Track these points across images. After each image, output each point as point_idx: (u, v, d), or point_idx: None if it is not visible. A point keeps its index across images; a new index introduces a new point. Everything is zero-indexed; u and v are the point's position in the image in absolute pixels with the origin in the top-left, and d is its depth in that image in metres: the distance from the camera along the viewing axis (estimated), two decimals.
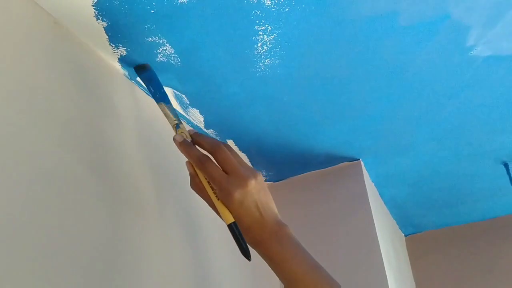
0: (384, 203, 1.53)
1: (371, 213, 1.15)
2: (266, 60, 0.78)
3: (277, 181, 1.27)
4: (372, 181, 1.34)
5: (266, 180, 1.27)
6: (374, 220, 1.15)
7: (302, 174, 1.25)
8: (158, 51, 0.73)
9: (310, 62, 0.80)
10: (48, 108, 0.57)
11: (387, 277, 1.11)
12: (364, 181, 1.18)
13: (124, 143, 0.71)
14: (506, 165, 1.31)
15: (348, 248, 1.12)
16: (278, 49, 0.76)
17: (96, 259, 0.57)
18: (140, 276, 0.64)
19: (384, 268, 1.10)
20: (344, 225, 1.15)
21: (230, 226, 0.61)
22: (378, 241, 1.12)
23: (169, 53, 0.73)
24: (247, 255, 0.61)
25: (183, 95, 0.85)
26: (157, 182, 0.77)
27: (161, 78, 0.78)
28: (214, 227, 0.90)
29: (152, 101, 0.82)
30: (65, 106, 0.60)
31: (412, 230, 1.95)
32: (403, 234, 1.98)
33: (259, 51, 0.76)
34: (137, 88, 0.80)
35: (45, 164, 0.53)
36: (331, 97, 0.92)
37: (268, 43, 0.74)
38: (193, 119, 0.93)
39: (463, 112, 1.02)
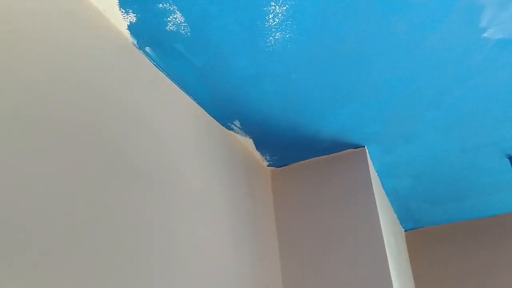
0: (387, 194, 1.52)
1: (375, 202, 1.14)
2: (276, 34, 0.77)
3: (281, 167, 1.26)
4: (376, 171, 1.33)
5: (269, 165, 1.26)
6: (378, 210, 1.14)
7: (306, 160, 1.23)
8: (168, 19, 0.72)
9: (321, 38, 0.79)
10: (52, 74, 0.56)
11: (390, 268, 1.10)
12: (368, 169, 1.17)
13: (129, 117, 0.70)
14: (510, 158, 1.30)
15: (351, 237, 1.11)
16: (289, 22, 0.75)
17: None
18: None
19: (386, 259, 1.09)
20: (347, 213, 1.14)
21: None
22: (381, 231, 1.11)
23: (179, 21, 0.72)
24: None
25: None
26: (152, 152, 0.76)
27: (169, 48, 0.77)
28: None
29: (158, 74, 0.81)
30: (71, 71, 0.59)
31: (412, 225, 1.94)
32: (403, 229, 1.97)
33: (270, 23, 0.74)
34: (144, 57, 0.79)
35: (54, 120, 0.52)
36: (340, 78, 0.90)
37: (279, 15, 0.73)
38: None
39: (471, 99, 1.01)
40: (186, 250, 0.76)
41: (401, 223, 1.88)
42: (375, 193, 1.16)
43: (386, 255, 1.09)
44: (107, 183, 0.60)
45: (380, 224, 1.13)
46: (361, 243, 1.10)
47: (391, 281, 1.06)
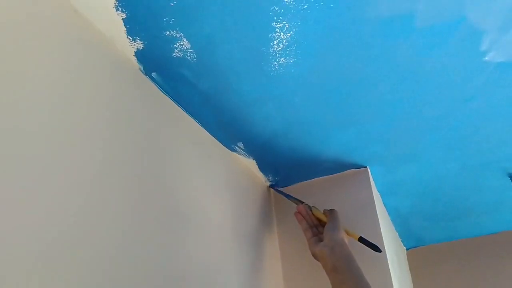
0: (388, 213, 1.53)
1: (378, 222, 1.15)
2: (281, 59, 0.78)
3: (283, 187, 1.26)
4: (378, 190, 1.33)
5: (271, 186, 1.26)
6: (381, 229, 1.14)
7: (308, 180, 1.24)
8: (175, 45, 0.73)
9: (324, 63, 0.80)
10: (60, 101, 0.57)
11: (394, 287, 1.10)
12: (371, 189, 1.18)
13: (135, 139, 0.71)
14: (511, 177, 1.31)
15: (354, 256, 1.11)
16: (293, 48, 0.76)
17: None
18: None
19: (391, 279, 1.09)
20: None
21: (360, 239, 1.04)
22: (385, 251, 1.11)
23: (185, 48, 0.73)
24: (378, 249, 1.02)
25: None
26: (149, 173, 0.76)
27: (175, 73, 0.78)
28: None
29: (163, 98, 0.82)
30: (78, 97, 0.60)
31: (414, 243, 1.94)
32: (405, 248, 1.97)
33: (275, 49, 0.76)
34: (150, 83, 0.80)
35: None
36: (343, 100, 0.92)
37: (284, 41, 0.74)
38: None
39: (473, 120, 1.02)
40: (192, 275, 0.76)
41: (402, 241, 1.88)
42: (378, 212, 1.17)
43: (390, 275, 1.09)
44: (116, 209, 0.60)
45: (383, 243, 1.13)
46: (365, 262, 1.09)
47: None
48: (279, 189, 1.23)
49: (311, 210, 1.09)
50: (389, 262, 1.12)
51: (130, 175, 0.65)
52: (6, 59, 0.49)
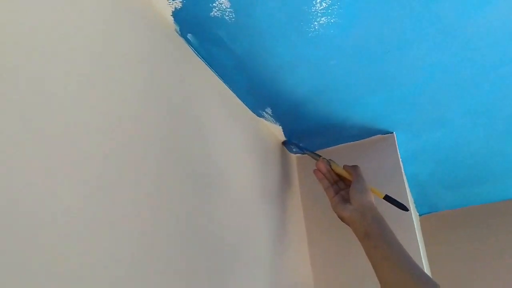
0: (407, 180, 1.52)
1: (405, 188, 1.13)
2: (322, 19, 0.75)
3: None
4: (400, 157, 1.32)
5: (296, 152, 1.25)
6: (408, 196, 1.13)
7: (333, 147, 1.22)
8: (213, 5, 0.69)
9: (365, 24, 0.77)
10: (93, 57, 0.54)
11: (420, 251, 1.09)
12: (398, 156, 1.16)
13: (164, 101, 0.68)
14: None
15: None
16: (336, 7, 0.73)
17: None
18: None
19: (418, 243, 1.08)
20: (376, 198, 1.13)
21: (386, 197, 0.99)
22: (412, 216, 1.11)
23: (224, 7, 0.70)
24: (405, 208, 0.99)
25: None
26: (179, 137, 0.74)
27: (211, 35, 0.75)
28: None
29: (196, 60, 0.79)
30: (111, 55, 0.57)
31: (427, 209, 1.94)
32: (418, 214, 1.97)
33: (317, 8, 0.72)
34: (185, 45, 0.77)
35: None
36: (377, 64, 0.89)
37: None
38: None
39: (505, 85, 1.00)
40: (225, 239, 0.75)
41: (416, 207, 1.88)
42: (404, 179, 1.16)
43: (417, 240, 1.09)
44: (147, 170, 0.59)
45: (410, 209, 1.12)
46: (391, 227, 1.09)
47: (422, 264, 1.06)
48: (294, 142, 1.17)
49: (330, 166, 1.03)
50: (415, 227, 1.11)
51: (159, 135, 0.62)
52: (43, 18, 0.46)
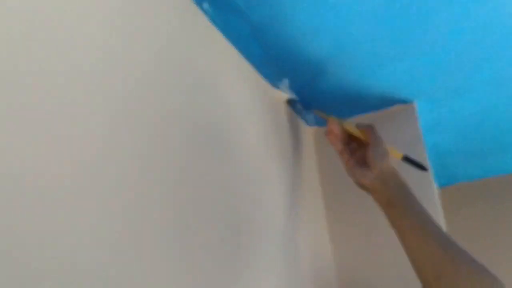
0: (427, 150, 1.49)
1: (426, 158, 1.11)
2: None
3: (324, 126, 1.22)
4: (420, 127, 1.29)
5: (313, 124, 1.22)
6: (430, 165, 1.10)
7: (353, 117, 1.19)
8: None
9: None
10: (108, 24, 0.52)
11: (443, 228, 1.08)
12: (418, 125, 1.13)
13: (179, 70, 0.66)
14: None
15: None
16: None
17: None
18: None
19: (442, 219, 1.07)
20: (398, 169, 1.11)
21: (404, 158, 0.90)
22: (434, 187, 1.09)
23: None
24: (424, 168, 0.91)
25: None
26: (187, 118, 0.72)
27: (228, 2, 0.72)
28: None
29: (212, 30, 0.77)
30: (126, 23, 0.55)
31: (446, 181, 1.92)
32: (437, 186, 1.95)
33: None
34: (201, 14, 0.74)
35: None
36: (400, 31, 0.85)
37: None
38: None
39: None
40: (238, 207, 0.74)
41: (435, 179, 1.86)
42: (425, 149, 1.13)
43: (440, 211, 1.07)
44: (169, 139, 0.57)
45: (432, 180, 1.10)
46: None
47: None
48: (299, 101, 1.08)
49: (343, 128, 0.92)
50: (436, 198, 1.09)
51: (171, 100, 0.60)
52: None
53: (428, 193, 1.07)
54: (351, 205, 1.14)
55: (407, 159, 0.90)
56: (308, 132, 1.22)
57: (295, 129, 1.11)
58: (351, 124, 0.92)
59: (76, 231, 0.39)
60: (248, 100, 0.86)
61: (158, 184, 0.52)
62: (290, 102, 1.07)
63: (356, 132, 0.90)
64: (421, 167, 0.90)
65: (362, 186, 0.86)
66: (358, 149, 0.90)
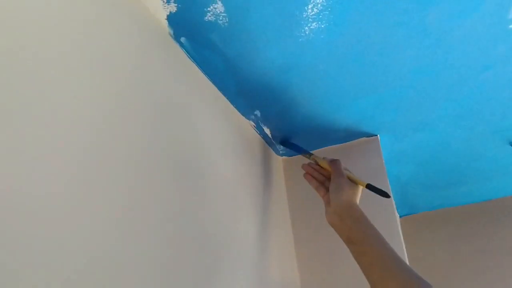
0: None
1: (389, 189, 1.16)
2: (313, 24, 0.77)
3: (293, 156, 1.26)
4: (384, 159, 1.34)
5: (283, 155, 1.26)
6: (392, 196, 1.15)
7: (320, 149, 1.24)
8: (208, 9, 0.71)
9: (355, 29, 0.79)
10: (85, 55, 0.55)
11: (405, 253, 1.12)
12: (382, 157, 1.19)
13: (155, 101, 0.69)
14: None
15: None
16: (327, 12, 0.74)
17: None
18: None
19: (402, 245, 1.11)
20: (362, 202, 1.15)
21: (368, 186, 0.91)
22: (396, 217, 1.13)
23: (219, 11, 0.71)
24: (386, 195, 0.90)
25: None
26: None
27: (204, 39, 0.76)
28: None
29: (189, 63, 0.80)
30: (104, 54, 0.58)
31: (407, 211, 1.98)
32: (398, 215, 2.01)
33: (309, 13, 0.74)
34: (178, 48, 0.78)
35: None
36: (365, 68, 0.91)
37: (319, 5, 0.73)
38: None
39: (487, 89, 1.03)
40: (211, 234, 0.76)
41: (397, 208, 1.92)
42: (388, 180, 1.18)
43: (401, 240, 1.12)
44: (140, 168, 0.59)
45: (395, 210, 1.15)
46: (377, 225, 1.11)
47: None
48: (288, 141, 1.15)
49: (318, 164, 0.98)
50: (399, 228, 1.14)
51: (149, 132, 0.63)
52: (41, 20, 0.47)
53: (390, 222, 1.12)
54: (319, 234, 1.17)
55: (370, 187, 0.93)
56: (278, 161, 1.26)
57: (266, 158, 1.15)
58: (323, 159, 0.98)
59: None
60: (221, 131, 0.90)
61: (138, 219, 0.54)
62: (282, 143, 1.16)
63: (326, 166, 0.96)
64: (384, 194, 0.92)
65: (328, 223, 0.88)
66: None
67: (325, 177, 0.96)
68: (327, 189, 0.91)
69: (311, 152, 1.05)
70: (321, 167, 0.98)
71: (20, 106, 0.40)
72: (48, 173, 0.41)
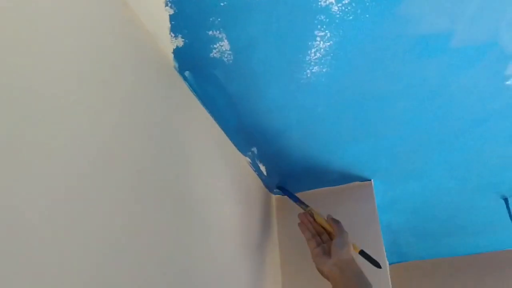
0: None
1: (380, 235, 1.16)
2: (314, 68, 0.79)
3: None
4: (376, 204, 1.35)
5: (276, 193, 1.26)
6: (383, 244, 1.15)
7: (313, 190, 1.25)
8: (214, 46, 0.72)
9: (355, 75, 0.81)
10: (96, 89, 0.56)
11: None
12: (374, 202, 1.19)
13: (153, 133, 0.70)
14: (506, 200, 1.35)
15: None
16: (329, 58, 0.76)
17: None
18: None
19: None
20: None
21: (361, 252, 1.01)
22: (386, 264, 1.13)
23: (224, 49, 0.73)
24: (378, 265, 1.00)
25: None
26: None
27: (208, 74, 0.78)
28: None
29: (190, 97, 0.82)
30: (111, 88, 0.59)
31: (397, 259, 1.97)
32: (388, 262, 1.99)
33: (311, 57, 0.76)
34: (182, 81, 0.79)
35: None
36: (363, 114, 0.93)
37: (322, 50, 0.75)
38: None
39: (481, 142, 1.05)
40: (201, 270, 0.75)
41: (386, 256, 1.90)
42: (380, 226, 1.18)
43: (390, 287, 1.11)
44: (132, 199, 0.60)
45: (385, 256, 1.14)
46: (366, 275, 1.10)
47: None
48: (286, 189, 1.19)
49: (313, 217, 1.06)
50: (388, 275, 1.13)
51: (146, 164, 0.63)
52: (49, 44, 0.48)
53: (380, 269, 1.11)
54: (308, 275, 1.16)
55: (363, 254, 1.01)
56: (271, 199, 1.26)
57: (259, 195, 1.15)
58: (324, 216, 1.05)
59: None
60: (217, 165, 0.90)
61: (131, 249, 0.54)
62: (279, 188, 1.19)
63: (324, 223, 1.04)
64: (376, 263, 1.00)
65: (322, 273, 0.97)
66: (326, 241, 1.02)
67: (317, 232, 1.04)
68: (318, 243, 1.00)
69: (307, 205, 1.10)
70: (316, 221, 1.05)
71: (17, 136, 0.41)
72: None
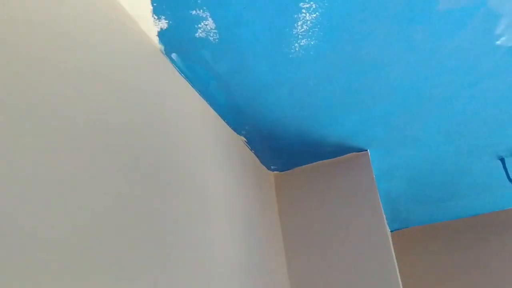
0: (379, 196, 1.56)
1: (380, 204, 1.16)
2: (302, 41, 0.77)
3: (285, 171, 1.26)
4: (374, 174, 1.35)
5: (273, 170, 1.26)
6: (383, 211, 1.16)
7: (309, 164, 1.25)
8: (199, 25, 0.71)
9: (344, 45, 0.80)
10: (81, 73, 0.55)
11: (395, 267, 1.12)
12: (372, 172, 1.19)
13: (146, 118, 0.69)
14: (502, 160, 1.35)
15: (356, 238, 1.13)
16: (316, 29, 0.75)
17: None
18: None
19: (393, 259, 1.11)
20: (352, 215, 1.15)
21: None
22: (387, 232, 1.13)
23: (209, 28, 0.72)
24: None
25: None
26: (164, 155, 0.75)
27: (195, 55, 0.77)
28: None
29: (180, 79, 0.80)
30: (99, 73, 0.58)
31: (398, 225, 1.99)
32: (389, 230, 2.01)
33: (298, 30, 0.75)
34: (169, 64, 0.78)
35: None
36: (354, 84, 0.92)
37: (308, 22, 0.74)
38: None
39: (475, 104, 1.05)
40: (196, 249, 0.76)
41: (388, 223, 1.92)
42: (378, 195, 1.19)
43: (392, 255, 1.11)
44: (126, 178, 0.59)
45: (385, 225, 1.15)
46: (368, 243, 1.11)
47: (398, 281, 1.09)
48: None
49: None
50: (390, 243, 1.14)
51: (137, 145, 0.63)
52: (37, 37, 0.47)
53: (382, 236, 1.12)
54: (311, 247, 1.17)
55: None
56: (269, 176, 1.26)
57: (256, 172, 1.15)
58: None
59: None
60: (212, 145, 0.90)
61: (128, 227, 0.54)
62: None
63: None
64: None
65: None
66: None
67: None
68: None
69: None
70: None
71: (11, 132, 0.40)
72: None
